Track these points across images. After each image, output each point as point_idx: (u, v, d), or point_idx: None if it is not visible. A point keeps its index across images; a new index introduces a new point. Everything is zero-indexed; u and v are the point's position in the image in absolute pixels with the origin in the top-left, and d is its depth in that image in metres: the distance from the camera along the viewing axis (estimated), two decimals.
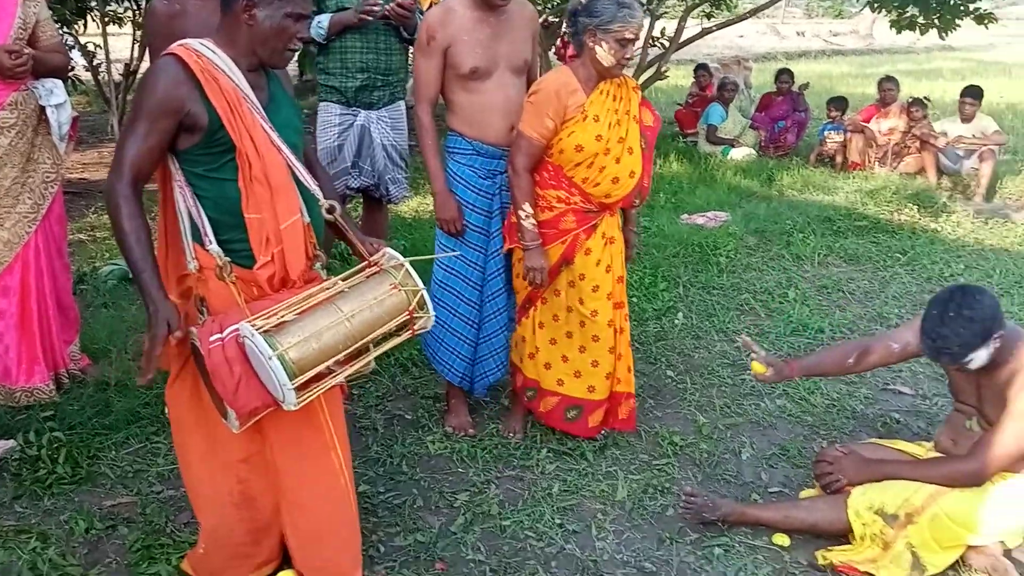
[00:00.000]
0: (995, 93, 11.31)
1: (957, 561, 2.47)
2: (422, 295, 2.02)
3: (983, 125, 7.04)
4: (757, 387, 3.59)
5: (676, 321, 4.25)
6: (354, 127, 3.73)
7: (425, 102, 2.91)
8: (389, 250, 2.09)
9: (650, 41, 7.80)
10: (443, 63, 2.84)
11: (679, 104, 9.50)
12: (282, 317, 1.86)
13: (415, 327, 2.05)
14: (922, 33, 7.70)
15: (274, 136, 1.97)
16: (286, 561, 2.29)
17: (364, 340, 1.95)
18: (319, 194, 2.07)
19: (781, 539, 2.57)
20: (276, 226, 1.96)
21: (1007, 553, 2.50)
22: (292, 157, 2.01)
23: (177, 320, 1.90)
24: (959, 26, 7.52)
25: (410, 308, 2.01)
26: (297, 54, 1.93)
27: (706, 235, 5.30)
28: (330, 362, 1.89)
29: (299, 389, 1.84)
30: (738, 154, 7.86)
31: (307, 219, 2.05)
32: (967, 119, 7.07)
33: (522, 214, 2.85)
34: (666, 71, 7.76)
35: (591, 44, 2.71)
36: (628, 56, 2.70)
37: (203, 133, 1.90)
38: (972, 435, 2.56)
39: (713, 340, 4.06)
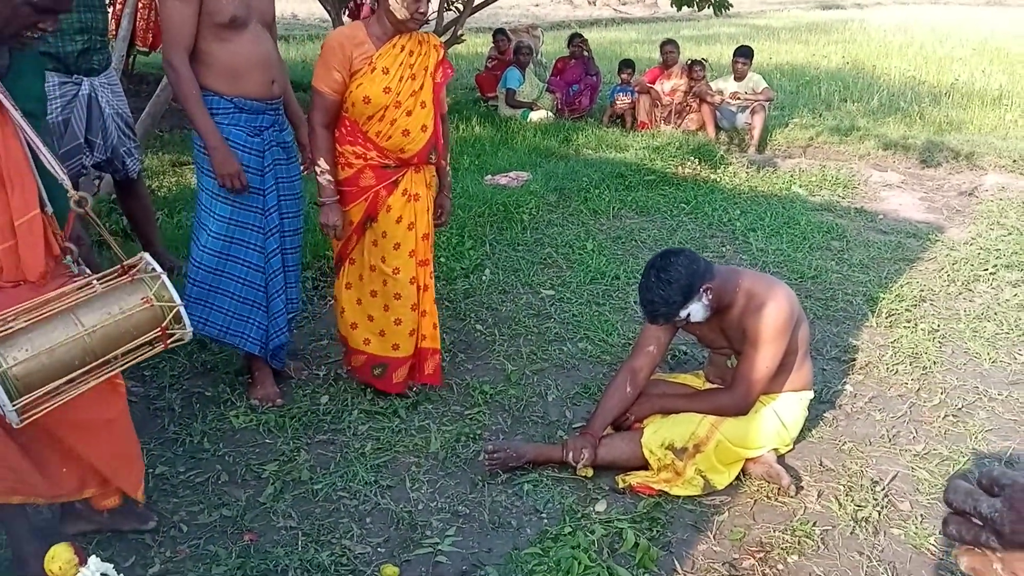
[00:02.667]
0: (765, 55, 12.32)
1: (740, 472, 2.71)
2: (178, 311, 1.89)
3: (754, 82, 7.64)
4: (561, 333, 3.75)
5: (484, 278, 4.33)
6: (79, 98, 3.34)
7: (180, 49, 2.66)
8: (147, 256, 1.94)
9: (445, 5, 7.79)
10: (199, 9, 2.66)
11: (478, 70, 9.59)
12: (11, 325, 1.67)
13: (169, 341, 1.92)
14: (699, 9, 8.22)
15: (16, 115, 1.74)
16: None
17: (106, 356, 1.80)
18: (67, 182, 1.85)
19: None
20: (8, 222, 1.76)
21: (780, 459, 2.79)
22: (36, 139, 1.78)
23: None
24: (731, 5, 8.09)
25: (163, 324, 1.87)
26: None
27: (509, 194, 5.42)
28: (63, 380, 1.73)
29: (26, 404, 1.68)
30: (536, 117, 8.07)
31: (50, 210, 1.86)
32: (740, 77, 7.65)
33: (317, 170, 2.84)
34: (462, 36, 7.78)
35: None
36: (423, 11, 2.69)
37: None
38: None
39: (519, 293, 4.18)
